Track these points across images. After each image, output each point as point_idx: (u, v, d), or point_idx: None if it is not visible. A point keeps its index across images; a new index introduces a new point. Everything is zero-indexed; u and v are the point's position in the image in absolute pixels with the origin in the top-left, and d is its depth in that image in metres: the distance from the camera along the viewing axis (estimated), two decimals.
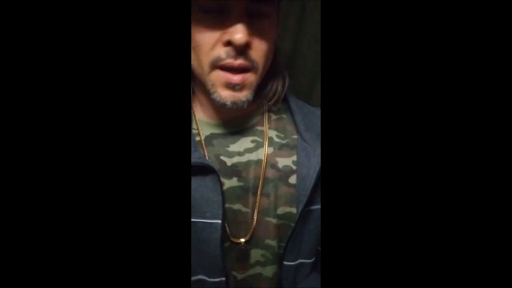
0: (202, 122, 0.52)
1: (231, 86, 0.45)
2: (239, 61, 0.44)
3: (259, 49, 0.44)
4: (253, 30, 0.42)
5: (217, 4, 0.41)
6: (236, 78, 0.44)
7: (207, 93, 0.48)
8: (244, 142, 0.50)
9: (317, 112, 0.55)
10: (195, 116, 0.52)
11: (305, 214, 0.48)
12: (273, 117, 0.53)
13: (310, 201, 0.48)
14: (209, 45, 0.43)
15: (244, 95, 0.46)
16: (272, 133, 0.51)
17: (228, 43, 0.43)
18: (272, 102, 0.51)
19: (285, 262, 0.48)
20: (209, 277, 0.46)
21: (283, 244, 0.47)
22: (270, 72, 0.50)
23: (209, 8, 0.42)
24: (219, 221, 0.45)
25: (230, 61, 0.44)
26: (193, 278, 0.46)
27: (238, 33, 0.41)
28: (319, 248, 0.50)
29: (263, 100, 0.51)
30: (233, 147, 0.50)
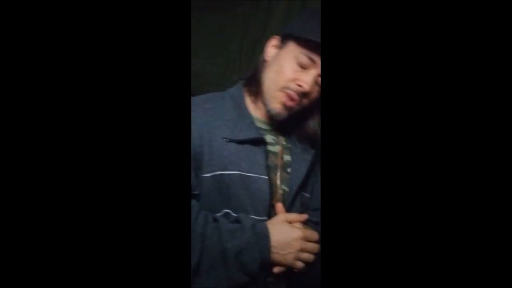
0: (255, 118, 0.75)
1: (284, 106, 0.70)
2: (297, 97, 0.69)
3: (309, 99, 0.71)
4: (313, 87, 0.69)
5: (305, 60, 0.69)
6: (290, 103, 0.69)
7: (264, 102, 0.73)
8: (268, 138, 0.74)
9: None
10: (248, 106, 0.76)
11: (295, 194, 0.72)
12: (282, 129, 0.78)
13: (301, 187, 0.74)
14: (289, 77, 0.69)
15: (285, 114, 0.71)
16: (281, 137, 0.77)
17: (300, 85, 0.68)
18: (305, 135, 0.77)
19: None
20: (258, 216, 0.67)
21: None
22: (308, 116, 0.76)
23: (302, 59, 0.69)
24: (267, 177, 0.68)
25: (293, 94, 0.69)
26: (244, 216, 0.66)
27: (307, 84, 0.68)
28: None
29: (301, 129, 0.77)
30: (270, 137, 0.75)
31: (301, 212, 0.72)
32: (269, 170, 0.70)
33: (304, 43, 0.68)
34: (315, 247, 0.66)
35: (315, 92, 0.70)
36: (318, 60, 0.67)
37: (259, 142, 0.70)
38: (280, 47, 0.73)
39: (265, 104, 0.73)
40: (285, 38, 0.72)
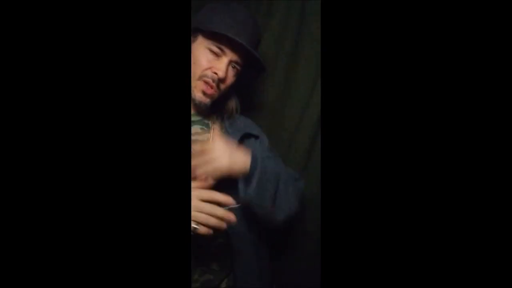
0: None
1: (204, 93, 0.78)
2: (213, 83, 0.77)
3: (226, 85, 0.79)
4: (228, 73, 0.78)
5: (217, 52, 0.77)
6: (208, 90, 0.77)
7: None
8: (196, 129, 0.82)
9: (242, 117, 0.90)
10: None
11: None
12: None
13: None
14: (204, 66, 0.77)
15: (207, 101, 0.79)
16: (216, 125, 0.84)
17: (215, 73, 0.76)
18: (228, 116, 0.86)
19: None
20: None
21: None
22: (227, 99, 0.86)
23: (212, 48, 0.77)
24: None
25: (210, 80, 0.77)
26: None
27: (221, 71, 0.76)
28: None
29: (223, 111, 0.86)
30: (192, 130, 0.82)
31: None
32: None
33: (211, 35, 0.76)
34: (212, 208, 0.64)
35: (230, 78, 0.79)
36: (226, 49, 0.76)
37: None
38: (193, 40, 0.80)
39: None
40: (195, 31, 0.79)
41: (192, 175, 0.67)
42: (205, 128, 0.83)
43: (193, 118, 0.83)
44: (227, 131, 0.83)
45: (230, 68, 0.78)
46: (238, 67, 0.79)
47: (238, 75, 0.82)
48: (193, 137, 0.80)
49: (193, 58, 0.78)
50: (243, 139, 0.83)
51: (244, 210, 0.74)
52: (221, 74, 0.75)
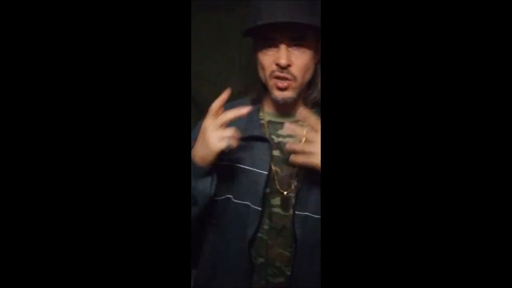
0: (267, 113, 0.81)
1: (280, 88, 0.73)
2: (284, 74, 0.71)
3: (298, 68, 0.72)
4: (293, 56, 0.71)
5: (272, 44, 0.72)
6: (281, 84, 0.72)
7: (270, 95, 0.76)
8: (287, 130, 0.77)
9: None
10: (263, 108, 0.82)
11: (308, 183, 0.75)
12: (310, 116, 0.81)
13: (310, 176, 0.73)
14: (268, 64, 0.73)
15: (289, 95, 0.73)
16: (306, 128, 0.76)
17: (277, 64, 0.71)
18: (319, 98, 0.78)
19: (296, 212, 0.74)
20: (253, 204, 0.75)
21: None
22: (312, 84, 0.77)
23: (267, 46, 0.72)
24: (266, 172, 0.75)
25: (279, 73, 0.72)
26: (242, 202, 0.76)
27: (282, 59, 0.70)
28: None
29: (309, 99, 0.79)
30: (281, 132, 0.79)
31: None
32: (283, 162, 0.76)
33: (255, 33, 0.73)
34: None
35: (299, 58, 0.71)
36: (276, 35, 0.70)
37: (264, 139, 0.76)
38: (252, 47, 0.78)
39: (270, 98, 0.77)
40: (248, 36, 0.76)
41: (292, 151, 0.69)
42: (303, 124, 0.76)
43: (284, 119, 0.79)
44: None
45: (292, 50, 0.71)
46: (301, 43, 0.71)
47: (312, 51, 0.73)
48: (285, 139, 0.77)
49: (258, 63, 0.75)
50: None
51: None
52: (283, 62, 0.69)
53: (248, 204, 0.75)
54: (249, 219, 0.75)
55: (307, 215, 0.74)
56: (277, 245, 0.76)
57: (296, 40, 0.71)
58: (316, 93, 0.77)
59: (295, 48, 0.71)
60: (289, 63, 0.70)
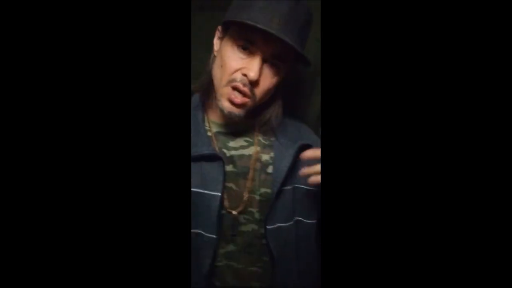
0: (212, 122, 0.70)
1: (232, 103, 0.63)
2: (245, 89, 0.61)
3: (262, 88, 0.63)
4: (264, 74, 0.62)
5: (246, 49, 0.61)
6: (237, 99, 0.62)
7: (216, 101, 0.66)
8: (240, 141, 0.69)
9: (294, 123, 0.75)
10: (208, 116, 0.70)
11: (278, 192, 0.66)
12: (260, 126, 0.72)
13: (283, 184, 0.66)
14: (232, 69, 0.62)
15: (239, 111, 0.64)
16: (258, 138, 0.70)
17: (245, 75, 0.61)
18: (262, 127, 0.70)
19: (267, 226, 0.66)
20: (205, 232, 0.64)
21: (263, 215, 0.66)
22: (268, 106, 0.69)
23: (243, 46, 0.61)
24: (219, 194, 0.63)
25: (240, 85, 0.61)
26: (193, 231, 0.64)
27: (252, 72, 0.60)
28: (296, 218, 0.69)
29: (255, 122, 0.70)
30: (232, 144, 0.69)
31: (293, 207, 0.68)
32: (237, 177, 0.67)
33: (240, 29, 0.62)
34: None
35: (268, 79, 0.62)
36: (259, 43, 0.60)
37: (215, 156, 0.65)
38: (223, 37, 0.66)
39: (216, 105, 0.66)
40: (225, 26, 0.65)
41: (313, 175, 0.61)
42: (250, 140, 0.70)
43: (233, 129, 0.70)
44: (280, 142, 0.69)
45: (267, 67, 0.62)
46: (280, 63, 0.63)
47: (282, 74, 0.65)
48: (238, 152, 0.69)
49: (221, 60, 0.65)
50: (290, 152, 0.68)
51: None
52: (252, 75, 0.60)
53: (200, 232, 0.64)
54: (204, 249, 0.64)
55: (279, 226, 0.67)
56: (246, 264, 0.67)
57: (274, 58, 0.62)
58: (268, 115, 0.69)
59: (269, 65, 0.63)
60: (257, 79, 0.61)
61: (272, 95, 0.68)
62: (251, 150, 0.69)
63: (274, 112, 0.69)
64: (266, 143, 0.71)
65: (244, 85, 0.62)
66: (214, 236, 0.64)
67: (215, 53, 0.69)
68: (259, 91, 0.63)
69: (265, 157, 0.70)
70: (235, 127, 0.70)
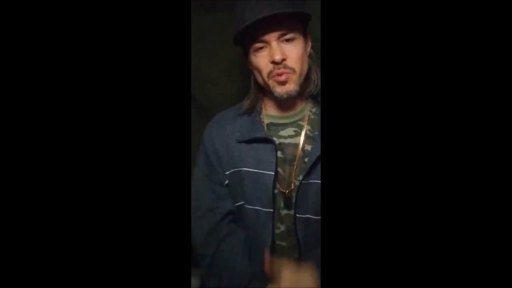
0: (266, 114, 0.82)
1: (281, 83, 0.73)
2: (281, 70, 0.72)
3: (293, 60, 0.72)
4: (286, 50, 0.72)
5: (263, 44, 0.72)
6: (281, 77, 0.72)
7: (270, 93, 0.77)
8: (289, 131, 0.79)
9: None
10: (264, 110, 0.83)
11: (308, 184, 0.75)
12: (311, 116, 0.81)
13: (309, 175, 0.75)
14: (264, 65, 0.73)
15: (291, 88, 0.73)
16: (307, 128, 0.79)
17: (273, 62, 0.71)
18: (315, 91, 0.79)
19: (297, 215, 0.74)
20: (263, 208, 0.75)
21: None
22: (307, 77, 0.78)
23: (259, 46, 0.73)
24: (273, 173, 0.75)
25: (276, 70, 0.72)
26: (252, 207, 0.77)
27: (276, 55, 0.70)
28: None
29: (306, 92, 0.79)
30: (282, 133, 0.79)
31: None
32: (285, 163, 0.77)
33: (244, 38, 0.74)
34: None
35: (292, 52, 0.72)
36: (266, 36, 0.71)
37: (268, 140, 0.76)
38: (243, 56, 0.79)
39: (273, 97, 0.78)
40: (238, 42, 0.77)
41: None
42: (298, 131, 0.79)
43: (285, 121, 0.80)
44: (317, 135, 0.77)
45: (284, 45, 0.72)
46: (290, 36, 0.72)
47: (304, 42, 0.75)
48: (286, 140, 0.78)
49: (254, 67, 0.76)
50: None
51: None
52: (277, 57, 0.70)
53: (258, 209, 0.76)
54: (261, 224, 0.75)
55: (308, 217, 0.74)
56: (290, 247, 0.76)
57: (284, 35, 0.71)
58: (311, 87, 0.78)
59: (285, 43, 0.72)
60: (283, 57, 0.71)
61: (309, 64, 0.77)
62: (297, 140, 0.78)
63: (313, 75, 0.79)
64: (310, 134, 0.79)
65: (279, 67, 0.72)
66: (271, 210, 0.75)
67: (250, 67, 0.80)
68: (293, 63, 0.72)
69: (307, 147, 0.78)
70: (286, 118, 0.80)
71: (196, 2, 1.07)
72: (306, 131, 0.78)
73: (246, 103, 0.82)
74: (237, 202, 0.79)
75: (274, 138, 0.78)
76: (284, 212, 0.77)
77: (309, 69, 0.77)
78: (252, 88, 0.82)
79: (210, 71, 1.15)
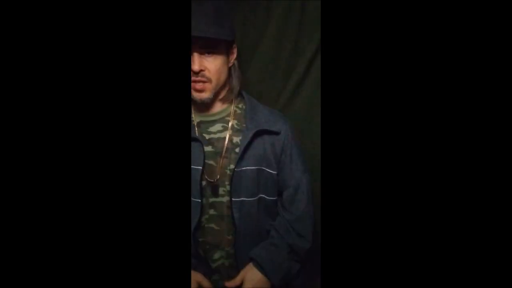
0: (196, 114, 0.90)
1: (196, 90, 0.82)
2: (198, 78, 0.81)
3: (211, 71, 0.81)
4: (206, 62, 0.81)
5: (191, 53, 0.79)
6: (197, 86, 0.82)
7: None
8: (217, 127, 0.87)
9: (261, 107, 0.91)
10: (194, 110, 0.89)
11: (241, 171, 0.84)
12: (236, 111, 0.90)
13: (240, 163, 0.84)
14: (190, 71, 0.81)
15: (206, 95, 0.83)
16: (234, 122, 0.88)
17: (192, 70, 0.80)
18: (233, 96, 0.88)
19: (233, 199, 0.84)
20: (194, 198, 0.83)
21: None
22: (227, 83, 0.87)
23: (193, 59, 0.80)
24: (200, 167, 0.83)
25: (194, 78, 0.81)
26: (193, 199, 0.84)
27: (195, 65, 0.79)
28: (261, 195, 0.86)
29: (226, 97, 0.88)
30: (211, 129, 0.88)
31: (264, 189, 0.85)
32: (216, 155, 0.86)
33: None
34: None
35: (212, 65, 0.80)
36: (192, 45, 0.78)
37: (195, 139, 0.85)
38: None
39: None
40: None
41: None
42: (226, 125, 0.87)
43: (213, 118, 0.88)
44: (246, 127, 0.85)
45: (205, 57, 0.80)
46: (211, 50, 0.80)
47: (225, 56, 0.83)
48: (215, 135, 0.86)
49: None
50: (256, 137, 0.85)
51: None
52: (195, 67, 0.79)
53: (192, 200, 0.83)
54: (193, 211, 0.83)
55: (242, 200, 0.83)
56: (222, 230, 0.85)
57: (207, 48, 0.80)
58: (230, 92, 0.87)
59: (207, 55, 0.80)
60: (201, 68, 0.79)
61: (227, 76, 0.86)
62: (225, 134, 0.86)
63: (232, 81, 0.87)
64: (238, 128, 0.88)
65: (197, 76, 0.80)
66: (199, 200, 0.83)
67: None
68: (211, 74, 0.81)
69: (236, 139, 0.87)
70: (213, 115, 0.88)
71: (196, 2, 1.07)
72: (233, 124, 0.87)
73: None
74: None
75: (205, 135, 0.87)
76: (212, 199, 0.85)
77: (230, 77, 0.86)
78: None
79: None
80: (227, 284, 0.83)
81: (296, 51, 1.02)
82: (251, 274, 0.83)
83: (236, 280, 0.82)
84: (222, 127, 0.87)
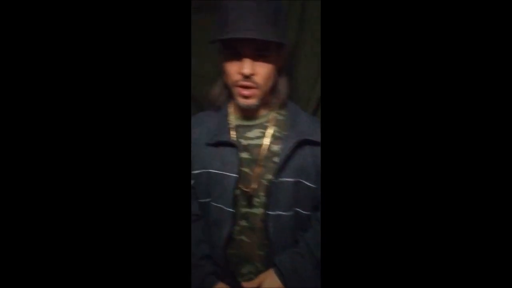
0: (233, 116, 0.84)
1: (244, 97, 0.77)
2: (248, 83, 0.75)
3: (261, 76, 0.75)
4: (257, 66, 0.74)
5: (236, 52, 0.74)
6: (245, 92, 0.76)
7: (235, 101, 0.80)
8: (256, 133, 0.82)
9: (303, 115, 0.86)
10: (230, 112, 0.85)
11: (279, 183, 0.78)
12: (277, 117, 0.84)
13: (279, 174, 0.78)
14: (233, 72, 0.76)
15: (253, 102, 0.77)
16: (273, 129, 0.82)
17: (241, 73, 0.74)
18: (280, 102, 0.83)
19: (268, 212, 0.78)
20: (226, 207, 0.78)
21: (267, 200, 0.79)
22: (274, 90, 0.81)
23: (232, 53, 0.75)
24: (235, 175, 0.78)
25: (243, 83, 0.75)
26: (216, 205, 0.80)
27: (246, 68, 0.73)
28: (296, 209, 0.81)
29: (271, 103, 0.82)
30: (249, 134, 0.82)
31: (301, 203, 0.80)
32: (251, 163, 0.80)
33: (221, 43, 0.76)
34: None
35: (264, 68, 0.75)
36: (242, 48, 0.73)
37: (231, 144, 0.80)
38: (218, 54, 0.81)
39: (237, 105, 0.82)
40: (214, 43, 0.79)
41: None
42: (265, 132, 0.82)
43: (252, 122, 0.83)
44: (287, 135, 0.80)
45: (257, 59, 0.74)
46: (267, 53, 0.74)
47: (276, 61, 0.78)
48: (252, 142, 0.81)
49: (224, 70, 0.78)
50: (298, 147, 0.79)
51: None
52: (246, 71, 0.73)
53: (221, 207, 0.79)
54: (223, 221, 0.79)
55: (278, 214, 0.78)
56: (253, 244, 0.80)
57: (259, 51, 0.74)
58: (277, 98, 0.82)
59: (259, 58, 0.74)
60: (252, 72, 0.74)
61: (275, 81, 0.80)
62: (263, 140, 0.81)
63: (281, 88, 0.82)
64: (279, 135, 0.82)
65: (246, 80, 0.74)
66: (232, 210, 0.78)
67: (220, 68, 0.82)
68: (260, 79, 0.75)
69: (275, 147, 0.81)
70: (252, 120, 0.83)
71: (196, 2, 1.07)
72: (273, 132, 0.82)
73: (214, 91, 0.85)
74: (205, 199, 0.82)
75: (241, 140, 0.81)
76: (245, 210, 0.80)
77: (276, 83, 0.81)
78: (221, 79, 0.83)
79: (210, 71, 1.15)
80: (244, 284, 0.80)
81: (296, 50, 1.02)
82: (270, 280, 0.78)
83: (254, 283, 0.79)
84: (260, 133, 0.82)
